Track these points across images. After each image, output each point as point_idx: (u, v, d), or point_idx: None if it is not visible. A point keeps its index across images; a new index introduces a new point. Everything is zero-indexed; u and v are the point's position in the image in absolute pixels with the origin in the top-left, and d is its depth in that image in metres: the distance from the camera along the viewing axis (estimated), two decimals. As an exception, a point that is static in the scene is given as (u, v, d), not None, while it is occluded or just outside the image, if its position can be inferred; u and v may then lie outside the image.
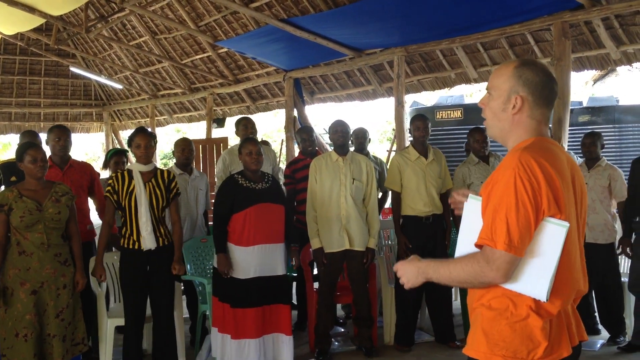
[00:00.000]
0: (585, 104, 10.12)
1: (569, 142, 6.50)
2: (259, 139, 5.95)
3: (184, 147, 5.74)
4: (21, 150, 4.18)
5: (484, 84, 12.28)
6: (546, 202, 1.89)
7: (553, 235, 1.90)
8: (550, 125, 6.24)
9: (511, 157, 1.97)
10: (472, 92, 22.80)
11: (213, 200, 5.27)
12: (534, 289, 1.93)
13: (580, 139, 5.77)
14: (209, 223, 5.95)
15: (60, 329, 4.10)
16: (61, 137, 5.14)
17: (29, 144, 4.30)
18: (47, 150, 5.02)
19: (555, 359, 1.96)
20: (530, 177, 1.89)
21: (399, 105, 8.34)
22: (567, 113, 6.34)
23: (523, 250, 1.90)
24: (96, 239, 5.58)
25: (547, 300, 1.91)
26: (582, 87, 19.39)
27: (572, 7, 6.24)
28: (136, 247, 4.50)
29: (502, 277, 1.92)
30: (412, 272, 2.11)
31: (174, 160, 5.94)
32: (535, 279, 1.92)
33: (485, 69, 7.94)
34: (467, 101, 11.02)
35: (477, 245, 1.96)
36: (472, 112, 9.39)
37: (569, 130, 6.47)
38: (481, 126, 5.72)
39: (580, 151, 5.67)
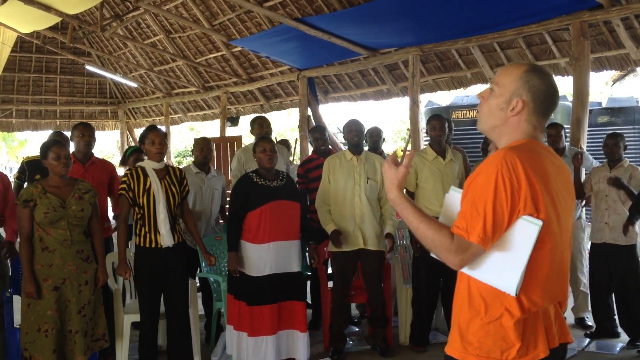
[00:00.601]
0: (604, 105, 10.03)
1: (587, 143, 6.45)
2: (279, 139, 5.95)
3: (202, 147, 5.75)
4: (45, 148, 4.21)
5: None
6: (523, 202, 1.93)
7: (525, 232, 1.93)
8: (568, 126, 6.24)
9: (497, 154, 2.00)
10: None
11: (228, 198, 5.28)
12: (504, 283, 1.96)
13: (599, 140, 5.73)
14: (219, 221, 5.96)
15: (82, 324, 4.12)
16: (85, 133, 5.25)
17: (53, 141, 4.33)
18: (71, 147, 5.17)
19: (530, 359, 1.98)
20: (511, 175, 1.93)
21: (414, 105, 8.31)
22: (586, 114, 6.29)
23: (491, 245, 1.95)
24: (114, 235, 5.64)
25: (516, 294, 1.94)
26: (602, 87, 19.26)
27: (591, 7, 6.19)
28: (153, 245, 4.50)
29: (460, 266, 1.99)
30: (389, 185, 2.15)
31: (189, 159, 5.95)
32: (504, 273, 1.96)
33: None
34: (482, 101, 10.94)
35: (450, 232, 2.00)
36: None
37: (588, 131, 6.42)
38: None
39: (602, 152, 5.62)
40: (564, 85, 10.08)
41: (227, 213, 5.77)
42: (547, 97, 2.09)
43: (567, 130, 6.14)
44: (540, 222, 1.92)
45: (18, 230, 4.25)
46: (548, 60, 7.37)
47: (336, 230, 5.07)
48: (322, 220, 5.17)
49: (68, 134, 5.53)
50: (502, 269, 1.96)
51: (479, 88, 11.08)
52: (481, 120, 2.19)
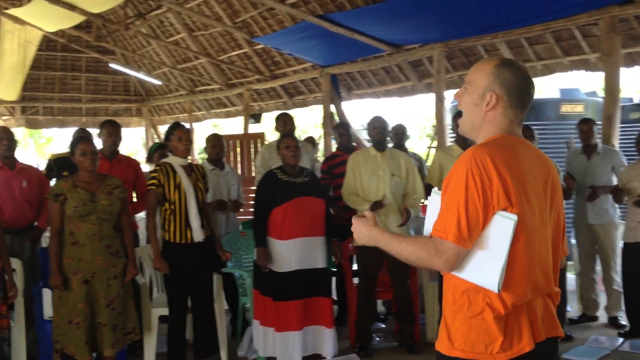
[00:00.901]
0: (636, 101, 9.87)
1: (620, 139, 6.34)
2: (302, 136, 5.94)
3: (214, 143, 5.76)
4: (72, 144, 4.27)
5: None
6: (496, 198, 1.94)
7: (502, 228, 1.95)
8: (599, 122, 6.14)
9: (467, 152, 2.02)
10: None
11: (251, 195, 5.28)
12: (486, 280, 1.97)
13: (631, 137, 5.64)
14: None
15: (110, 318, 4.15)
16: (112, 132, 5.36)
17: (80, 137, 4.41)
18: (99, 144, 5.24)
19: (515, 353, 1.99)
20: (481, 172, 1.94)
21: (439, 102, 8.24)
22: (618, 110, 6.19)
23: (470, 243, 1.96)
24: (138, 231, 5.69)
25: (498, 291, 1.95)
26: (633, 83, 18.99)
27: (621, 2, 6.08)
28: (183, 240, 4.52)
29: (448, 268, 2.00)
30: (365, 234, 2.18)
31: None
32: (486, 270, 1.97)
33: (530, 64, 7.77)
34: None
35: (430, 236, 2.02)
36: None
37: (620, 127, 6.32)
38: (538, 123, 5.68)
39: (634, 149, 5.54)
40: (595, 81, 9.93)
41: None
42: (521, 89, 2.11)
43: (598, 127, 6.05)
44: (515, 217, 1.93)
45: (50, 224, 4.30)
46: (578, 56, 7.26)
47: (375, 203, 5.01)
48: (353, 202, 5.14)
49: (94, 131, 5.61)
50: (483, 266, 1.98)
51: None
52: (461, 122, 2.21)
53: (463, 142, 5.27)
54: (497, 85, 2.09)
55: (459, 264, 1.99)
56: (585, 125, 5.84)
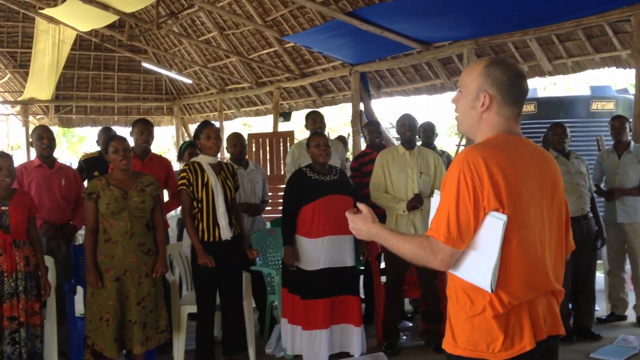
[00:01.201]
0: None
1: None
2: (331, 134, 5.94)
3: (235, 142, 5.75)
4: (106, 142, 4.34)
5: (559, 77, 11.85)
6: (486, 199, 1.96)
7: (492, 228, 1.97)
8: (630, 120, 6.06)
9: (461, 153, 2.06)
10: (545, 86, 22.22)
11: (281, 193, 5.31)
12: (480, 280, 2.00)
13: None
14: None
15: (140, 316, 4.21)
16: (144, 131, 5.38)
17: (113, 136, 4.46)
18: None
19: (516, 352, 2.01)
20: (473, 173, 1.97)
21: (469, 99, 8.18)
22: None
23: (463, 244, 2.00)
24: (168, 229, 5.75)
25: (492, 291, 1.98)
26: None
27: (654, -3, 5.99)
28: (211, 239, 4.58)
29: (443, 267, 2.04)
30: (364, 231, 2.24)
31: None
32: (479, 270, 2.00)
33: (561, 61, 7.69)
34: (540, 95, 10.71)
35: (426, 235, 2.07)
36: (545, 106, 9.12)
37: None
38: (568, 120, 5.65)
39: None
40: (626, 77, 9.78)
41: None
42: (513, 85, 2.12)
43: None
44: (504, 217, 1.95)
45: (85, 222, 4.38)
46: (609, 53, 7.16)
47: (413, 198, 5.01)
48: (385, 201, 5.13)
49: (126, 129, 5.69)
50: (477, 266, 2.01)
51: (536, 81, 10.87)
52: (459, 122, 2.25)
53: None
54: (488, 85, 2.11)
55: (454, 263, 2.04)
56: (617, 121, 5.79)
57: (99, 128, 6.70)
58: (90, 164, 5.58)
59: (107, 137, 4.44)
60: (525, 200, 2.03)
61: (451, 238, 1.98)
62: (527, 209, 2.04)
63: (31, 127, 13.00)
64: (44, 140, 5.06)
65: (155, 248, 4.37)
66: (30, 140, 5.24)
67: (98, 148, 5.89)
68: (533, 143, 2.22)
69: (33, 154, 5.29)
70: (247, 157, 5.92)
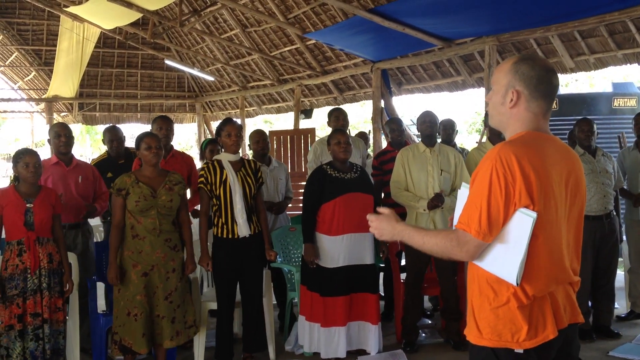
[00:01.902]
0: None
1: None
2: (352, 131, 5.93)
3: (258, 139, 5.73)
4: (138, 139, 4.37)
5: (582, 74, 11.72)
6: (518, 195, 2.02)
7: (522, 224, 2.02)
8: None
9: (494, 149, 2.11)
10: (568, 82, 21.98)
11: (302, 190, 5.33)
12: (506, 273, 2.07)
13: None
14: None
15: (168, 310, 4.26)
16: (163, 126, 5.42)
17: (146, 133, 4.47)
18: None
19: (540, 341, 2.09)
20: (505, 170, 2.03)
21: (490, 96, 8.14)
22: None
23: (491, 237, 2.07)
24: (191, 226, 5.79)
25: (517, 284, 2.04)
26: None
27: (678, -7, 5.91)
28: (230, 235, 4.62)
29: (469, 258, 2.14)
30: (388, 231, 2.29)
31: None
32: (506, 263, 2.07)
33: (583, 57, 7.62)
34: (562, 92, 10.62)
35: (455, 228, 2.14)
36: (568, 102, 9.06)
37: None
38: (589, 117, 5.60)
39: None
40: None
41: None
42: (540, 80, 2.16)
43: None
44: (534, 214, 2.01)
45: (111, 218, 4.40)
46: (632, 49, 7.08)
47: (435, 196, 5.01)
48: (407, 201, 5.12)
49: (149, 127, 5.70)
50: (503, 260, 2.07)
51: (560, 78, 10.78)
52: (491, 117, 2.33)
53: (497, 138, 5.23)
54: (516, 81, 2.17)
55: (479, 254, 2.11)
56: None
57: (122, 125, 6.71)
58: (101, 166, 5.56)
59: (141, 134, 4.44)
60: (553, 197, 2.09)
61: (482, 232, 2.05)
62: (555, 205, 2.10)
63: (56, 125, 13.13)
64: (61, 137, 5.04)
65: (181, 244, 4.43)
66: (48, 137, 5.22)
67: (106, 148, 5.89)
68: (560, 140, 2.26)
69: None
70: (269, 154, 5.94)
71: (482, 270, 2.15)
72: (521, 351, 2.10)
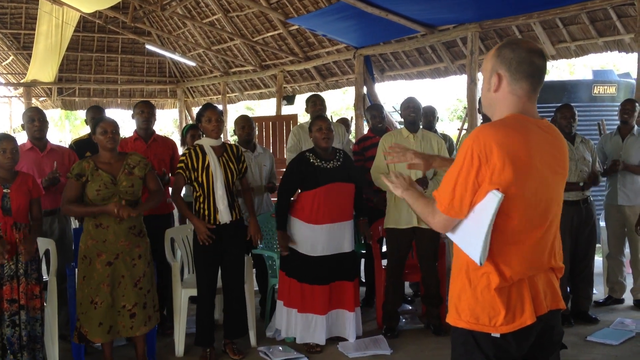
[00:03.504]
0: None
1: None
2: (334, 117, 5.89)
3: (243, 125, 5.70)
4: (94, 124, 4.31)
5: (562, 61, 11.75)
6: (490, 175, 2.05)
7: (489, 204, 2.05)
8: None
9: (474, 130, 2.14)
10: (548, 70, 22.10)
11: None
12: (472, 251, 2.11)
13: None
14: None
15: (139, 297, 4.23)
16: (144, 110, 5.37)
17: (101, 117, 4.40)
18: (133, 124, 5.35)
19: (517, 326, 2.11)
20: (481, 149, 2.05)
21: (472, 83, 8.16)
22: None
23: (458, 214, 2.13)
24: (174, 212, 5.75)
25: (481, 264, 2.09)
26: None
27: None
28: (211, 221, 4.59)
29: (440, 229, 2.23)
30: (404, 187, 2.44)
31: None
32: (472, 241, 2.11)
33: (564, 45, 7.66)
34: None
35: (429, 201, 2.26)
36: (548, 90, 9.06)
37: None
38: (571, 104, 5.62)
39: None
40: (629, 62, 9.74)
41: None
42: (522, 61, 2.16)
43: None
44: (500, 195, 2.03)
45: (62, 198, 4.26)
46: (612, 37, 7.13)
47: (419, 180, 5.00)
48: (387, 185, 5.08)
49: (129, 112, 5.66)
50: (470, 237, 2.12)
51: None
52: (482, 106, 2.36)
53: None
54: (498, 65, 2.20)
55: (450, 228, 2.20)
56: (629, 104, 5.85)
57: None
58: (81, 146, 5.53)
59: (96, 119, 4.38)
60: (533, 180, 2.10)
61: (449, 208, 2.13)
62: (535, 188, 2.11)
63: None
64: (35, 122, 4.96)
65: (146, 230, 4.38)
66: (22, 122, 5.13)
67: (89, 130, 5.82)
68: (547, 122, 2.25)
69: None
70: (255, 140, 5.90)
71: (464, 255, 2.18)
72: (498, 335, 2.13)
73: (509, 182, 2.04)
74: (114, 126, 4.26)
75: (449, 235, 2.22)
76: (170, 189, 4.91)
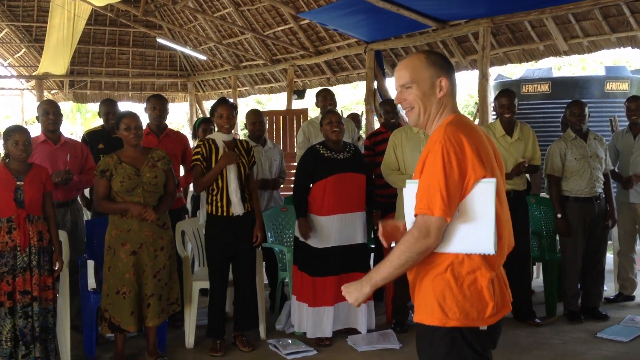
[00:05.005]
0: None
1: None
2: (344, 112, 5.89)
3: (254, 120, 5.70)
4: (117, 119, 4.35)
5: (575, 57, 11.69)
6: (471, 169, 2.11)
7: (484, 193, 2.11)
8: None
9: (438, 131, 2.19)
10: (560, 65, 21.94)
11: (293, 171, 5.33)
12: (482, 246, 2.12)
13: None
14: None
15: (157, 288, 4.29)
16: (157, 105, 5.35)
17: (125, 112, 4.41)
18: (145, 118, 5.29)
19: (500, 316, 2.21)
20: (455, 147, 2.11)
21: (483, 79, 8.15)
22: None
23: (451, 215, 2.11)
24: (187, 206, 5.76)
25: (495, 252, 2.12)
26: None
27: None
28: (224, 214, 4.62)
29: (436, 241, 2.13)
30: (354, 288, 2.33)
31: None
32: (479, 237, 2.12)
33: (577, 40, 7.63)
34: (555, 74, 10.61)
35: (415, 215, 2.15)
36: (560, 86, 9.06)
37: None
38: (581, 100, 5.59)
39: None
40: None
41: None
42: (450, 66, 2.33)
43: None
44: (494, 180, 2.11)
45: (94, 195, 4.38)
46: (625, 32, 7.09)
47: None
48: (397, 180, 5.07)
49: (140, 105, 5.67)
50: (475, 234, 2.12)
51: (551, 61, 10.77)
52: (415, 115, 2.32)
53: (505, 123, 5.23)
54: (439, 72, 2.29)
55: (442, 235, 2.13)
56: (633, 103, 5.74)
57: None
58: (94, 137, 5.54)
59: (120, 115, 4.41)
60: (494, 170, 2.21)
61: (446, 209, 2.09)
62: (498, 178, 2.20)
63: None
64: (49, 115, 4.96)
65: (170, 222, 4.46)
66: (37, 114, 5.14)
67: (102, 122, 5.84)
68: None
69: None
70: (265, 135, 5.89)
71: (435, 257, 2.17)
72: (485, 328, 2.18)
73: (487, 170, 2.13)
74: (136, 122, 4.30)
75: (444, 251, 2.15)
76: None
